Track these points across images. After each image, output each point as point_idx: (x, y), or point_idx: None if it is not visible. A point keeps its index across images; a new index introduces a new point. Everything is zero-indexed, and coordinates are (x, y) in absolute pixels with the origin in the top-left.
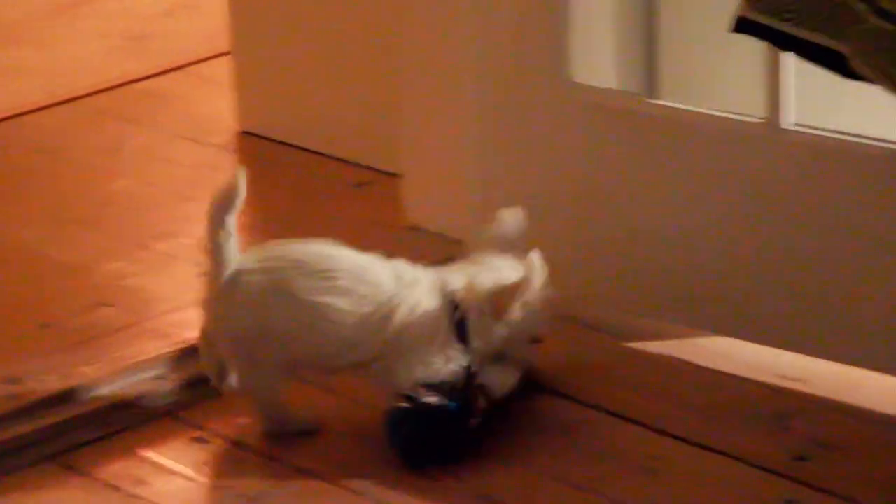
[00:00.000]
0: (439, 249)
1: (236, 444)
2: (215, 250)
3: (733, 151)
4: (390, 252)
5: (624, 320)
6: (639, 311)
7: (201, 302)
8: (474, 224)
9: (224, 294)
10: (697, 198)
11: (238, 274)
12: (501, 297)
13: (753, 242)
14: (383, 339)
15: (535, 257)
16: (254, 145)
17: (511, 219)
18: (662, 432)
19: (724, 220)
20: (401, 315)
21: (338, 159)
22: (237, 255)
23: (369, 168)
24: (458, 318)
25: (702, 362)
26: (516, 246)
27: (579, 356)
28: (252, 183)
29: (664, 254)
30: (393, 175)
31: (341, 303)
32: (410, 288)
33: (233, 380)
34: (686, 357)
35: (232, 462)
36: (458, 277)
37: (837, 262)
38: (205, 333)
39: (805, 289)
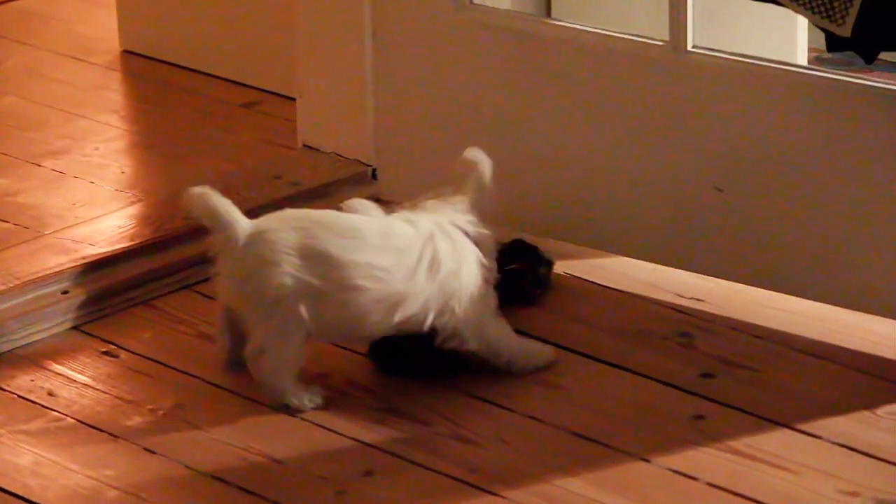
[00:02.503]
0: (335, 168)
1: (145, 357)
2: (217, 210)
3: (635, 73)
4: (286, 170)
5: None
6: (542, 233)
7: (216, 266)
8: (369, 143)
9: (250, 252)
10: (599, 120)
11: (262, 232)
12: (479, 205)
13: (654, 164)
14: (436, 285)
15: (475, 152)
16: (138, 64)
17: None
18: (569, 350)
19: (625, 141)
20: (445, 258)
21: (224, 79)
22: (242, 216)
23: (256, 89)
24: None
25: (605, 282)
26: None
27: None
28: (139, 102)
29: (566, 175)
30: (280, 96)
31: (383, 260)
32: (432, 233)
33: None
34: (590, 277)
35: (141, 375)
36: (449, 212)
37: (739, 182)
38: (224, 299)
39: (706, 209)
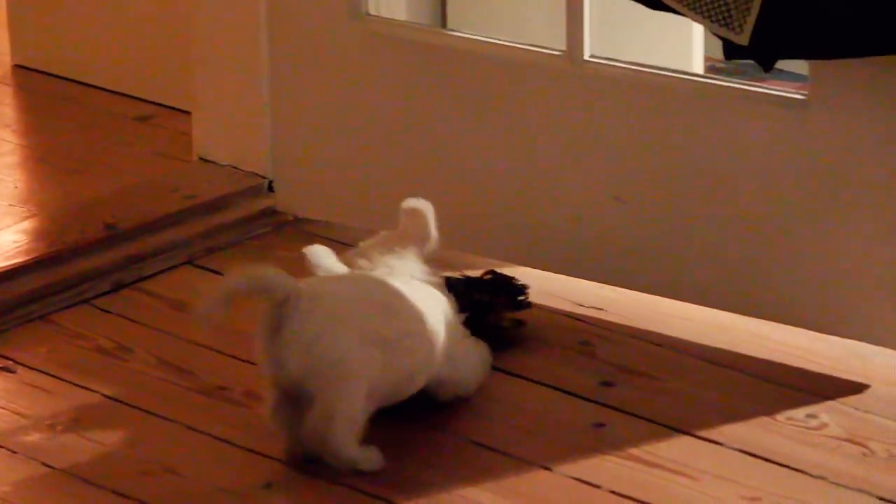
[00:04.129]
0: (231, 181)
1: (43, 373)
2: (271, 279)
3: (532, 83)
4: (182, 183)
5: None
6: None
7: (265, 332)
8: (266, 155)
9: (315, 312)
10: (496, 130)
11: (321, 291)
12: (426, 253)
13: (554, 174)
14: (441, 359)
15: (418, 201)
16: (29, 79)
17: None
18: None
19: (523, 151)
20: (446, 335)
21: (117, 93)
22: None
23: (150, 102)
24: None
25: None
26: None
27: None
28: (32, 116)
29: (462, 186)
30: (174, 109)
31: (435, 307)
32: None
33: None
34: None
35: (38, 390)
36: (409, 266)
37: (635, 190)
38: (284, 371)
39: (606, 219)
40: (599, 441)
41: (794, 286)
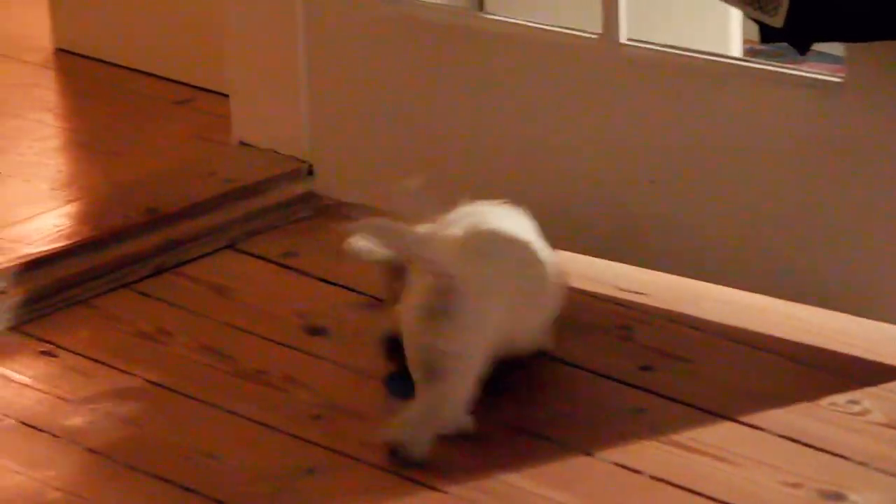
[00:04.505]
0: (270, 164)
1: (84, 357)
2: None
3: (568, 66)
4: (222, 166)
5: None
6: None
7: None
8: (304, 138)
9: (470, 301)
10: (532, 113)
11: (475, 277)
12: None
13: (589, 157)
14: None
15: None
16: (71, 63)
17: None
18: None
19: (559, 135)
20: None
21: (156, 76)
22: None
23: (190, 86)
24: None
25: None
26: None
27: None
28: (74, 100)
29: (499, 170)
30: (213, 92)
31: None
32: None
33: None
34: None
35: (80, 374)
36: None
37: (674, 174)
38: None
39: (641, 202)
40: (640, 426)
41: (832, 269)
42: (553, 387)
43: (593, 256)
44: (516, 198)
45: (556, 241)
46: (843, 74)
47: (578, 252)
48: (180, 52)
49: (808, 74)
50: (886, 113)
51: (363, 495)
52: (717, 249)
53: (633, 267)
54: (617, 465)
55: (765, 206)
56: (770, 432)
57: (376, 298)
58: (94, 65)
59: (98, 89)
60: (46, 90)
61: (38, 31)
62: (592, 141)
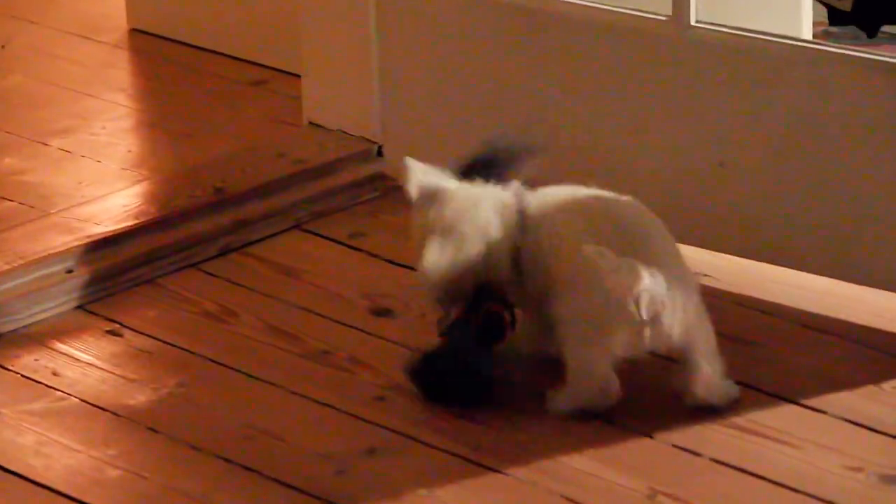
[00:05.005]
0: (340, 145)
1: (149, 336)
2: None
3: (638, 49)
4: (291, 147)
5: None
6: None
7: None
8: (375, 120)
9: None
10: (601, 95)
11: None
12: None
13: (657, 139)
14: None
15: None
16: (146, 43)
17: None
18: None
19: (627, 117)
20: None
21: (232, 57)
22: None
23: (264, 66)
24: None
25: None
26: None
27: None
28: (147, 81)
29: (567, 151)
30: (288, 73)
31: None
32: None
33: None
34: None
35: (145, 354)
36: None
37: (738, 156)
38: None
39: (709, 184)
40: (700, 409)
41: (894, 252)
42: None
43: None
44: (581, 180)
45: None
46: None
47: None
48: (255, 34)
49: (876, 57)
50: None
51: (424, 476)
52: (784, 232)
53: (699, 249)
54: (677, 447)
55: (834, 189)
56: (832, 415)
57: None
58: (168, 45)
59: (172, 70)
60: (120, 70)
61: (113, 10)
62: (661, 123)
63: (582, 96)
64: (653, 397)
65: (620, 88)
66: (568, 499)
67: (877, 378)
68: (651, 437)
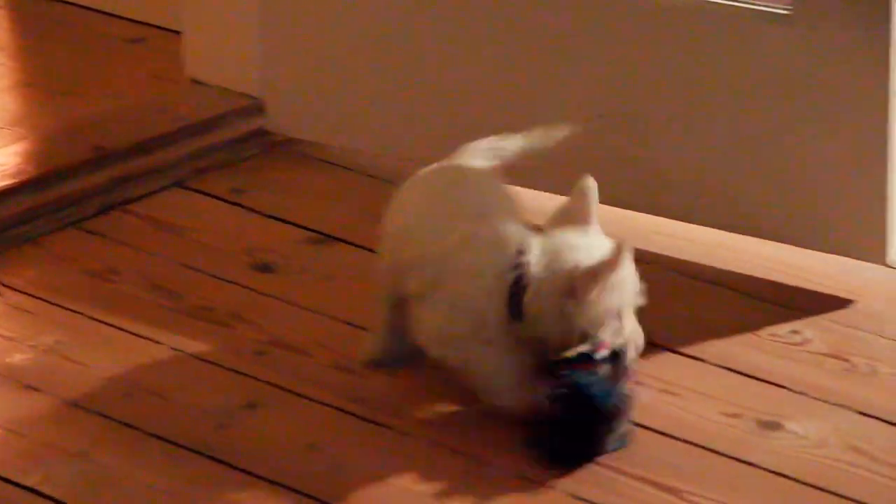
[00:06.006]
0: (221, 102)
1: (29, 295)
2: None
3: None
4: (172, 104)
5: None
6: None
7: None
8: (256, 75)
9: None
10: (478, 45)
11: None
12: (582, 279)
13: (541, 91)
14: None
15: (623, 241)
16: (22, 1)
17: (590, 189)
18: None
19: (504, 65)
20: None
21: (110, 15)
22: None
23: (143, 24)
24: (514, 286)
25: None
26: (588, 219)
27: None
28: (24, 39)
29: (447, 102)
30: (167, 30)
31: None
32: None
33: None
34: None
35: (24, 312)
36: (534, 244)
37: (627, 109)
38: None
39: (594, 137)
40: None
41: (781, 202)
42: None
43: (551, 192)
44: (457, 124)
45: (514, 178)
46: (790, 6)
47: (539, 189)
48: None
49: (756, 7)
50: (835, 44)
51: (306, 429)
52: (667, 184)
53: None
54: None
55: (714, 138)
56: (710, 363)
57: (323, 234)
58: (45, 3)
59: (49, 28)
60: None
61: None
62: (539, 74)
63: (462, 46)
64: None
65: (498, 37)
66: (452, 449)
67: (754, 326)
68: None
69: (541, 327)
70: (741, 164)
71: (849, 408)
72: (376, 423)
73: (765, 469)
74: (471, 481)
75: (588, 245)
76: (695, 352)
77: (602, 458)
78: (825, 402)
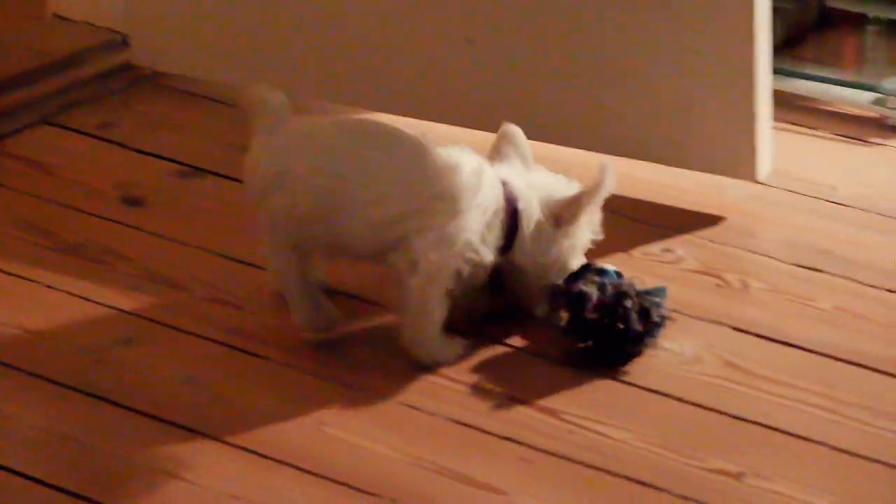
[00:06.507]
0: (85, 36)
1: None
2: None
3: None
4: (35, 40)
5: None
6: (302, 92)
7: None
8: (119, 10)
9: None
10: None
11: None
12: (570, 208)
13: (403, 17)
14: (422, 197)
15: (610, 166)
16: None
17: (517, 133)
18: None
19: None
20: (450, 183)
21: None
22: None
23: None
24: (510, 218)
25: None
26: (527, 160)
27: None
28: None
29: (315, 34)
30: None
31: (378, 154)
32: (456, 165)
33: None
34: None
35: None
36: (512, 175)
37: (492, 33)
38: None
39: (459, 62)
40: None
41: (647, 122)
42: None
43: (411, 117)
44: (328, 57)
45: (371, 103)
46: None
47: (397, 113)
48: None
49: None
50: None
51: (183, 362)
52: (537, 108)
53: (454, 127)
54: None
55: (585, 63)
56: None
57: (192, 167)
58: None
59: None
60: None
61: None
62: (411, 2)
63: None
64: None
65: None
66: (328, 378)
67: (626, 245)
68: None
69: (526, 258)
70: (610, 86)
71: (723, 323)
72: (255, 355)
73: (641, 387)
74: (349, 407)
75: (556, 181)
76: None
77: (492, 383)
78: (699, 318)
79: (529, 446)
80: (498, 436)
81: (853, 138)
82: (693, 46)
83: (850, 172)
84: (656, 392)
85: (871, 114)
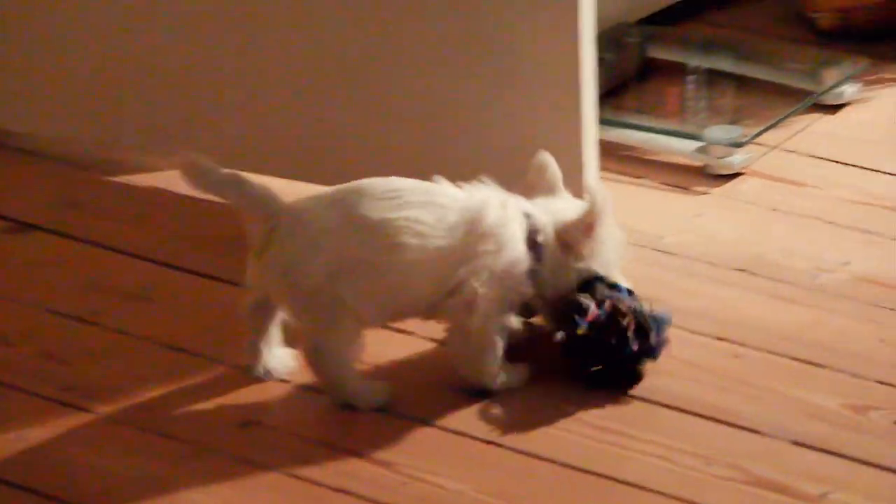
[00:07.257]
0: None
1: None
2: (257, 197)
3: None
4: None
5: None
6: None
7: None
8: None
9: (289, 239)
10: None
11: (299, 213)
12: (574, 233)
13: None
14: (473, 249)
15: (598, 188)
16: None
17: (549, 163)
18: (152, 261)
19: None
20: (489, 221)
21: None
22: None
23: None
24: (534, 250)
25: (181, 191)
26: (555, 189)
27: (69, 194)
28: None
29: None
30: None
31: (424, 216)
32: (486, 203)
33: (280, 357)
34: (166, 187)
35: None
36: (531, 206)
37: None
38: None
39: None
40: None
41: (478, 168)
42: (196, 299)
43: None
44: (157, 114)
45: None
46: None
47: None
48: None
49: None
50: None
51: (12, 421)
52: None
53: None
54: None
55: (406, 114)
56: None
57: (21, 223)
58: None
59: None
60: None
61: None
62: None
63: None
64: (229, 325)
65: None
66: (163, 433)
67: None
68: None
69: (547, 288)
70: (441, 133)
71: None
72: (86, 411)
73: (474, 437)
74: (184, 465)
75: (567, 206)
76: None
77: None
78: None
79: (363, 498)
80: (331, 488)
81: (678, 186)
82: (524, 94)
83: (676, 221)
84: (490, 443)
85: (695, 163)
